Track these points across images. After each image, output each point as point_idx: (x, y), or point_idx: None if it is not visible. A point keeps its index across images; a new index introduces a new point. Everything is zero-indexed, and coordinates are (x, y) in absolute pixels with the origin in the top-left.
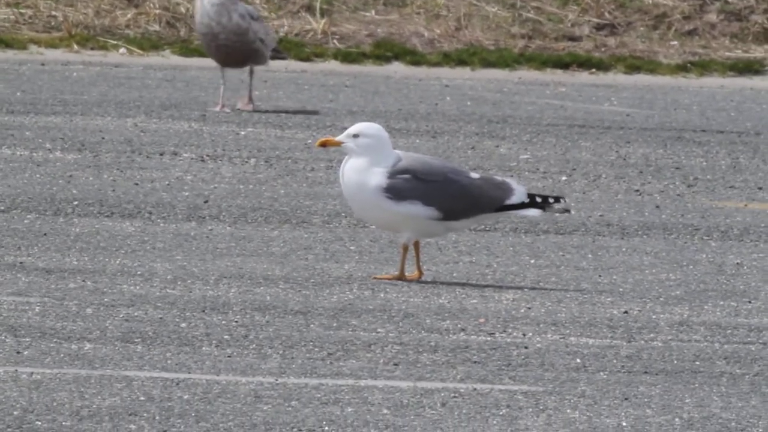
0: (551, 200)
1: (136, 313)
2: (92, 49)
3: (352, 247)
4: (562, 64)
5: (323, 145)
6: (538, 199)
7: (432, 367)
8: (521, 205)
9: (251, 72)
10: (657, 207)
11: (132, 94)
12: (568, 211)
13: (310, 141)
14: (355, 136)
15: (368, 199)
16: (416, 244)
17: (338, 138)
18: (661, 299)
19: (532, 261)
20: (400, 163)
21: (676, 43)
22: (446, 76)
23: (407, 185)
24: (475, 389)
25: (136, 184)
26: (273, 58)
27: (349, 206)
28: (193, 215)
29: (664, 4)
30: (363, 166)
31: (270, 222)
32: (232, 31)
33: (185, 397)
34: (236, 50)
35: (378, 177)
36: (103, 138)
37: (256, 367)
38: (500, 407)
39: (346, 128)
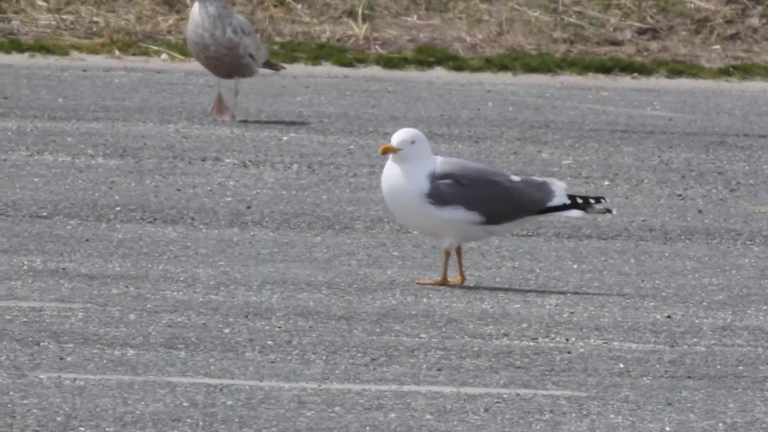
0: (592, 201)
1: (179, 319)
2: (134, 54)
3: (395, 253)
4: (604, 68)
5: (385, 152)
6: (579, 200)
7: (475, 372)
8: (563, 207)
9: (237, 86)
10: (699, 212)
11: (174, 99)
12: (609, 211)
13: (352, 146)
14: (412, 142)
15: (410, 204)
16: (458, 249)
17: (395, 145)
18: (704, 304)
19: (575, 266)
20: (440, 168)
21: (718, 47)
22: (488, 81)
23: (449, 190)
24: (518, 394)
25: (179, 189)
26: (266, 69)
27: (391, 212)
28: (236, 221)
29: (706, 9)
30: (405, 172)
31: (313, 228)
32: (224, 44)
33: (228, 402)
34: (225, 63)
35: (420, 182)
36: (145, 144)
37: (300, 372)
38: (543, 412)
39: (388, 134)
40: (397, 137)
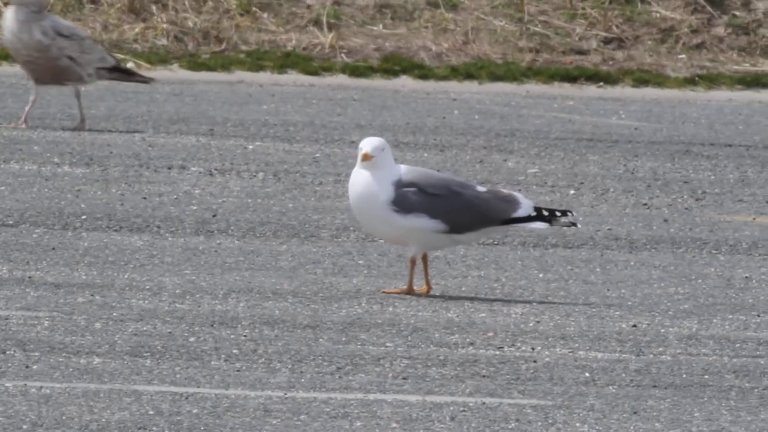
0: (558, 214)
1: (144, 328)
2: None
3: (360, 261)
4: (570, 77)
5: (365, 159)
6: (545, 213)
7: (441, 381)
8: (528, 218)
9: (77, 92)
10: (665, 221)
11: (140, 108)
12: (574, 224)
13: (318, 155)
14: (382, 149)
15: (375, 211)
16: (424, 258)
17: (369, 152)
18: (670, 313)
19: (541, 275)
20: (405, 176)
21: (683, 56)
22: (454, 90)
23: (413, 198)
24: (484, 403)
25: (145, 198)
26: (115, 78)
27: (356, 219)
28: (202, 229)
29: (671, 18)
30: (371, 179)
31: (278, 236)
32: (33, 47)
33: (194, 411)
34: (41, 66)
35: (386, 189)
36: (111, 152)
37: (265, 381)
38: (509, 421)
39: (354, 142)
40: (371, 144)
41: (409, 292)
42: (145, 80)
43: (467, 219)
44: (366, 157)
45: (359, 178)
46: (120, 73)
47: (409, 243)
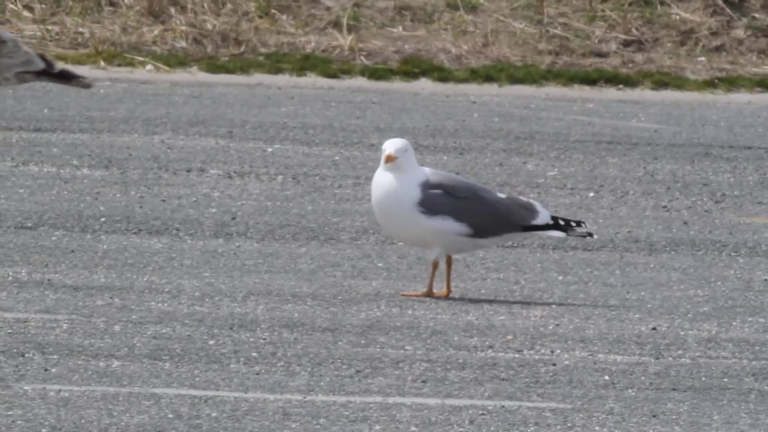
0: (573, 224)
1: (163, 331)
2: (119, 65)
3: (379, 264)
4: (590, 80)
5: (388, 161)
6: (561, 222)
7: (460, 384)
8: (546, 227)
9: None
10: (685, 223)
11: (159, 110)
12: (590, 235)
13: (337, 158)
14: (406, 151)
15: (401, 212)
16: (448, 261)
17: (393, 153)
18: (689, 315)
19: (560, 277)
20: (431, 178)
21: (703, 58)
22: (473, 93)
23: (439, 200)
24: (503, 406)
25: (164, 200)
26: (48, 80)
27: (379, 221)
28: (221, 232)
29: (691, 20)
30: (396, 180)
31: (297, 239)
32: None
33: (213, 414)
34: None
35: (412, 191)
36: (130, 155)
37: (284, 384)
38: (528, 424)
39: (373, 145)
40: (394, 145)
41: (429, 294)
42: (85, 85)
43: (491, 223)
44: (389, 159)
45: (383, 179)
46: (51, 77)
47: (432, 245)
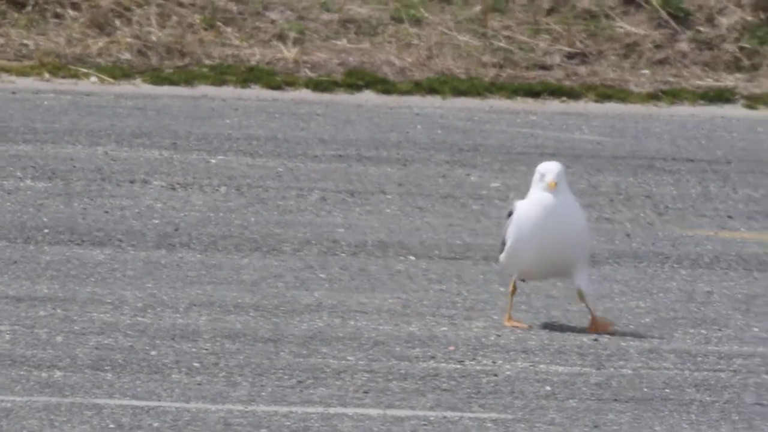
0: None
1: (106, 341)
2: (63, 77)
3: (322, 275)
4: (533, 92)
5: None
6: None
7: (402, 394)
8: None
9: None
10: (627, 235)
11: (103, 122)
12: None
13: (280, 169)
14: (563, 174)
15: (584, 233)
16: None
17: (555, 180)
18: (631, 327)
19: (502, 289)
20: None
21: (647, 71)
22: (417, 105)
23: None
24: (444, 417)
25: (107, 212)
26: None
27: (551, 246)
28: (163, 243)
29: (635, 33)
30: (571, 204)
31: (240, 250)
32: None
33: (155, 424)
34: None
35: (583, 212)
36: (73, 166)
37: (226, 394)
38: None
39: (317, 157)
40: (554, 172)
41: (597, 325)
42: None
43: None
44: (553, 186)
45: (563, 203)
46: None
47: (581, 271)
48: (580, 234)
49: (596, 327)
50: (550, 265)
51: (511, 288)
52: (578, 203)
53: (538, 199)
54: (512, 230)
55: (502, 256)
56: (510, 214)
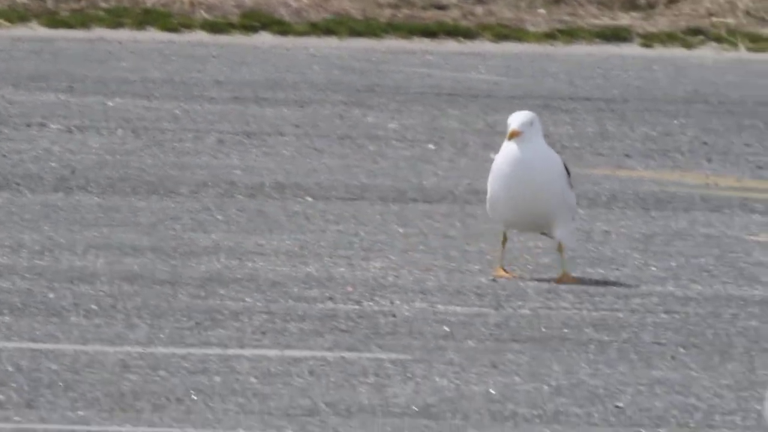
0: None
1: (3, 284)
2: None
3: (219, 217)
4: (430, 32)
5: (512, 136)
6: None
7: (299, 335)
8: None
9: None
10: None
11: None
12: None
13: (177, 111)
14: (531, 124)
15: (555, 185)
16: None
17: (518, 129)
18: (530, 267)
19: (401, 229)
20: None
21: (543, 11)
22: (314, 46)
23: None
24: (342, 357)
25: (4, 155)
26: None
27: (514, 194)
28: (61, 186)
29: None
30: (541, 153)
31: (137, 192)
32: None
33: (53, 367)
34: None
35: (559, 162)
36: None
37: (124, 336)
38: (368, 375)
39: (213, 98)
40: (518, 120)
41: (568, 278)
42: None
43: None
44: (514, 135)
45: (530, 151)
46: None
47: (557, 226)
48: (551, 184)
49: (567, 280)
50: (527, 217)
51: (501, 239)
52: (551, 152)
53: (504, 151)
54: (488, 184)
55: (487, 211)
56: None
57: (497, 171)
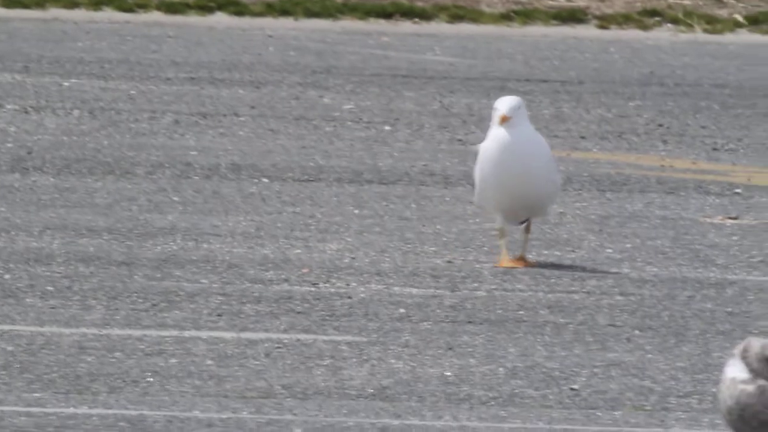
0: None
1: None
2: None
3: (175, 198)
4: (385, 13)
5: (503, 121)
6: None
7: (255, 317)
8: None
9: None
10: None
11: None
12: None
13: (133, 92)
14: (519, 108)
15: (545, 169)
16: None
17: (507, 114)
18: (485, 248)
19: (356, 211)
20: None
21: None
22: (270, 26)
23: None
24: (298, 340)
25: None
26: None
27: (504, 180)
28: (17, 167)
29: None
30: (530, 138)
31: (93, 173)
32: None
33: (9, 348)
34: None
35: (546, 145)
36: None
37: (80, 318)
38: (324, 357)
39: (169, 79)
40: (507, 104)
41: (525, 262)
42: None
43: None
44: (504, 120)
45: (520, 135)
46: None
47: (544, 211)
48: (542, 168)
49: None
50: (519, 201)
51: (499, 233)
52: (539, 137)
53: (493, 137)
54: (476, 172)
55: (475, 199)
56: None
57: (488, 156)
